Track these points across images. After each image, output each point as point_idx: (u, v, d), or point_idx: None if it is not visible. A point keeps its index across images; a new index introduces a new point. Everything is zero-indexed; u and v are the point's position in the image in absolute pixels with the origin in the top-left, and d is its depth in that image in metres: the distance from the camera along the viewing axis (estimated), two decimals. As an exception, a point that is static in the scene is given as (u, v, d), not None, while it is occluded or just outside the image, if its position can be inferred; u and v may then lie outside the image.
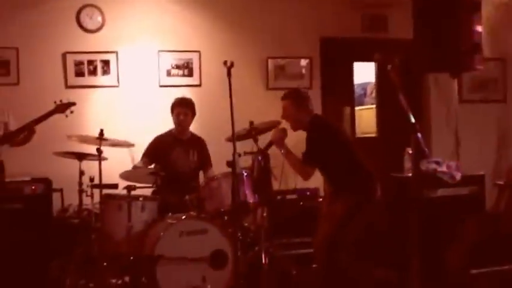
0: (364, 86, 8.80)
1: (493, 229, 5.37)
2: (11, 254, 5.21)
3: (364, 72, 8.07)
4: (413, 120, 4.28)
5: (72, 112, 5.29)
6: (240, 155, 4.26)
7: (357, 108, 7.95)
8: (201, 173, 5.97)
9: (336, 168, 4.80)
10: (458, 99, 7.25)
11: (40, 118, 5.14)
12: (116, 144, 5.28)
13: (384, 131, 7.47)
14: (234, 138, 4.19)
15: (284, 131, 4.94)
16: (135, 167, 5.63)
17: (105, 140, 5.08)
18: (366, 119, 8.04)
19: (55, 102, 5.23)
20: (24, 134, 5.19)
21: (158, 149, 5.76)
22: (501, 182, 5.83)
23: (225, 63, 4.21)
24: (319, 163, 4.78)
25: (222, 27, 6.87)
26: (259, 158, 5.24)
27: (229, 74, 4.20)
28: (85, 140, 5.30)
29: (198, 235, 4.89)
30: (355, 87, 8.08)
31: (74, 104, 5.31)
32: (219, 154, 5.28)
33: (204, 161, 5.93)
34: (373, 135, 7.61)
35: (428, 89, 7.55)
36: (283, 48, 7.02)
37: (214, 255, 4.87)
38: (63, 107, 5.25)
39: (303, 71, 7.09)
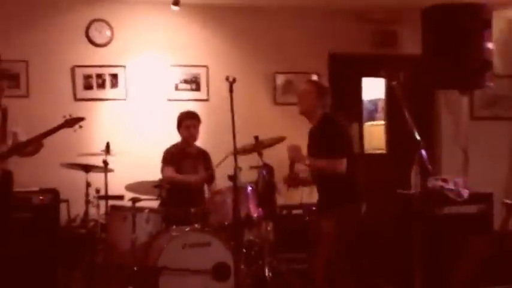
0: (375, 102, 8.93)
1: (500, 248, 5.44)
2: (19, 262, 5.39)
3: (375, 88, 8.18)
4: (418, 136, 4.45)
5: (80, 127, 5.49)
6: (241, 169, 4.43)
7: (367, 124, 8.07)
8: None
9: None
10: (470, 116, 7.40)
11: (48, 132, 5.31)
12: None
13: (393, 147, 7.58)
14: (236, 152, 4.38)
15: (297, 146, 4.98)
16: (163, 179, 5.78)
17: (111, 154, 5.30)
18: (376, 135, 8.15)
19: (64, 116, 5.41)
20: (32, 147, 5.39)
21: (171, 158, 5.94)
22: (509, 201, 5.89)
23: (227, 78, 4.42)
24: (320, 153, 4.82)
25: (230, 42, 7.08)
26: (264, 172, 5.42)
27: (231, 90, 4.42)
28: (91, 153, 5.50)
29: (202, 247, 5.03)
30: (366, 103, 8.21)
31: (82, 119, 5.48)
32: (224, 168, 5.45)
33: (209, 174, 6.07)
34: (383, 151, 7.74)
35: (438, 105, 7.64)
36: (291, 63, 7.18)
37: (217, 268, 4.99)
38: (72, 122, 5.43)
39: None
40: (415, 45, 6.88)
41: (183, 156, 5.99)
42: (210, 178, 6.06)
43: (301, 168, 5.07)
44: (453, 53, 6.03)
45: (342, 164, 4.77)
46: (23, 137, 5.41)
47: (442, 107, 7.62)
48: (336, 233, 4.75)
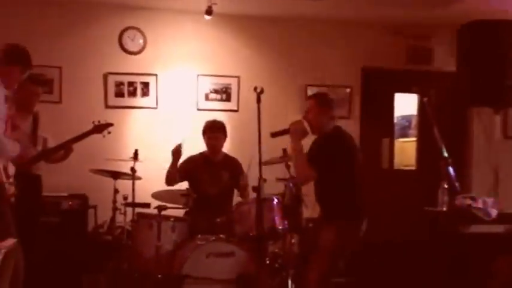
0: (408, 118, 8.98)
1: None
2: (46, 265, 5.56)
3: (408, 104, 8.24)
4: (445, 154, 4.51)
5: (109, 133, 5.63)
6: (265, 180, 4.51)
7: (400, 140, 8.13)
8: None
9: (334, 186, 4.83)
10: (502, 134, 7.41)
11: (78, 137, 5.47)
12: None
13: (422, 164, 7.62)
14: (261, 164, 4.48)
15: (306, 129, 4.93)
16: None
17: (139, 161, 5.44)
18: (407, 151, 8.19)
19: (93, 122, 5.57)
20: (62, 152, 5.56)
21: (188, 169, 6.02)
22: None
23: (255, 89, 4.52)
24: (322, 172, 4.76)
25: (262, 53, 7.20)
26: (291, 185, 5.50)
27: (258, 100, 4.52)
28: (119, 160, 5.64)
29: (226, 257, 5.10)
30: (400, 119, 8.26)
31: (111, 124, 5.64)
32: (250, 179, 5.54)
33: (238, 180, 6.02)
34: (412, 168, 7.78)
35: (470, 123, 7.65)
36: (323, 76, 7.27)
37: (240, 279, 5.05)
38: (101, 128, 5.59)
39: (343, 100, 7.31)
40: (449, 61, 6.94)
41: (205, 166, 6.07)
42: (242, 187, 6.08)
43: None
44: (488, 70, 6.07)
45: (308, 176, 4.79)
46: (52, 143, 5.58)
47: (475, 125, 7.62)
48: (334, 246, 4.74)
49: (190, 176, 6.00)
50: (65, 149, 5.49)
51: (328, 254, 4.78)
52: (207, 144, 6.08)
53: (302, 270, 5.12)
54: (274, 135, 4.94)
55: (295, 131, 4.87)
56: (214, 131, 6.06)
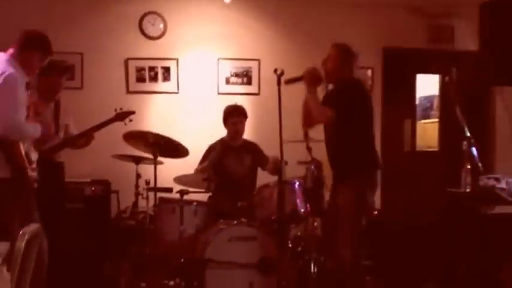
0: (430, 99, 8.89)
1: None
2: (70, 251, 5.57)
3: (430, 85, 8.15)
4: (468, 134, 4.45)
5: (131, 120, 5.64)
6: (286, 163, 4.48)
7: (421, 121, 8.05)
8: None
9: (350, 136, 4.72)
10: (525, 113, 7.33)
11: (100, 125, 5.48)
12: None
13: (445, 145, 7.54)
14: (282, 147, 4.45)
15: (320, 76, 4.82)
16: (196, 171, 5.88)
17: (161, 145, 5.42)
18: (429, 132, 8.12)
19: (115, 110, 5.57)
20: (84, 139, 5.57)
21: (212, 157, 6.02)
22: None
23: (275, 71, 4.49)
24: (340, 121, 4.63)
25: (283, 35, 7.14)
26: (313, 167, 5.47)
27: (279, 83, 4.48)
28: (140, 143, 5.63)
29: (248, 241, 5.10)
30: (422, 99, 8.18)
31: (133, 112, 5.64)
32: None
33: (261, 162, 6.09)
34: (435, 149, 7.71)
35: (493, 103, 7.58)
36: (344, 58, 7.18)
37: (262, 262, 5.05)
38: (123, 115, 5.59)
39: (364, 81, 7.19)
40: (471, 40, 6.84)
41: (227, 151, 6.06)
42: (264, 164, 6.05)
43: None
44: (510, 49, 5.98)
45: (325, 115, 4.68)
46: (74, 130, 5.59)
47: (498, 105, 7.55)
48: (354, 207, 4.67)
49: (214, 163, 5.98)
50: (86, 136, 5.50)
51: (350, 217, 4.68)
52: (231, 129, 6.07)
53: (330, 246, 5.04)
54: (288, 82, 4.81)
55: (309, 78, 4.77)
56: (238, 115, 6.05)
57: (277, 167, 5.62)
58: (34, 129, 4.30)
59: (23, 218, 3.94)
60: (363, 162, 4.75)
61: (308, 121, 5.00)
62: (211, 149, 6.09)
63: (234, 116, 6.03)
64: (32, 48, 4.31)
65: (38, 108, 5.15)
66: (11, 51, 4.24)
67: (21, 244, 2.50)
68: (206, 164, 5.90)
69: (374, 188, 4.82)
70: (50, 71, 5.12)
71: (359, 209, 4.71)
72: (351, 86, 4.81)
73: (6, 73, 4.05)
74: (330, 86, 4.96)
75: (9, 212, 4.02)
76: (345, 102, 4.66)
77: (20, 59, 4.23)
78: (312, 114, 4.81)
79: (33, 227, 2.69)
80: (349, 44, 4.99)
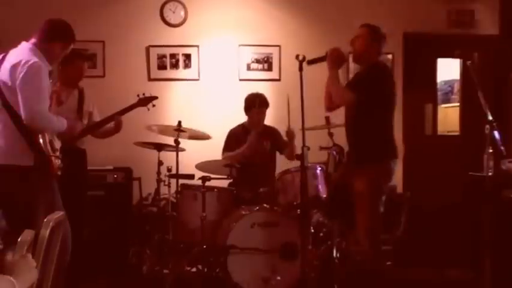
0: (451, 84, 8.80)
1: None
2: (93, 238, 5.59)
3: (451, 69, 8.06)
4: (490, 117, 4.37)
5: (154, 106, 5.63)
6: (308, 148, 4.43)
7: (442, 106, 7.97)
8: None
9: (370, 122, 4.67)
10: (545, 97, 7.21)
11: (122, 111, 5.47)
12: (193, 136, 5.59)
13: (466, 129, 7.45)
14: (304, 132, 4.40)
15: (344, 56, 4.80)
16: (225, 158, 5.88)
17: (183, 131, 5.39)
18: (450, 117, 8.05)
19: (138, 95, 5.58)
20: (111, 126, 5.56)
21: (233, 142, 6.02)
22: None
23: (297, 57, 4.44)
24: (363, 104, 4.58)
25: (303, 21, 7.05)
26: (334, 152, 5.43)
27: (301, 69, 4.43)
28: (164, 130, 5.63)
29: (270, 227, 5.11)
30: (442, 84, 8.10)
31: (155, 97, 5.64)
32: (295, 149, 5.49)
33: (281, 147, 6.10)
34: (456, 133, 7.63)
35: (513, 87, 7.47)
36: (364, 43, 7.10)
37: (284, 248, 5.06)
38: (146, 101, 5.59)
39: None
40: (492, 25, 6.74)
41: (247, 135, 6.02)
42: (283, 149, 6.09)
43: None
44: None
45: (347, 97, 4.64)
46: (97, 117, 5.59)
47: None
48: (371, 191, 4.62)
49: (235, 148, 5.97)
50: (114, 121, 5.48)
51: (368, 200, 4.64)
52: (253, 119, 6.04)
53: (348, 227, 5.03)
54: (310, 62, 4.75)
55: (332, 58, 4.74)
56: (260, 105, 6.01)
57: (290, 137, 5.75)
58: (59, 122, 4.27)
59: (47, 205, 3.94)
60: (381, 150, 4.72)
61: (329, 103, 4.94)
62: (232, 135, 6.08)
63: (256, 106, 5.99)
64: (55, 38, 4.28)
65: (60, 97, 5.16)
66: (33, 40, 4.22)
67: (45, 232, 2.49)
68: (234, 154, 5.88)
69: (389, 177, 4.75)
70: (71, 58, 5.11)
71: (375, 198, 4.65)
72: (379, 70, 4.76)
73: (30, 62, 4.02)
74: (352, 68, 4.90)
75: (33, 200, 4.01)
76: (371, 86, 4.61)
77: (43, 48, 4.20)
78: (332, 96, 4.78)
79: (57, 214, 2.68)
80: (377, 25, 4.91)
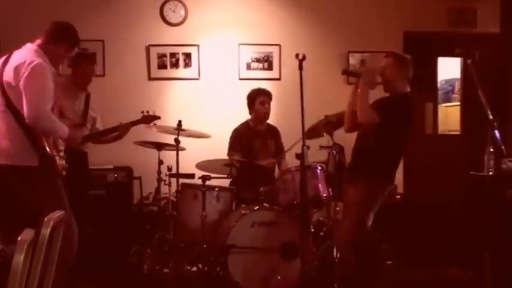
0: (452, 83, 8.80)
1: None
2: (94, 236, 5.58)
3: (451, 68, 8.07)
4: (491, 116, 4.38)
5: (155, 125, 5.67)
6: (308, 148, 4.43)
7: (443, 105, 7.96)
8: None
9: (384, 144, 4.73)
10: (547, 95, 7.20)
11: (125, 125, 5.54)
12: (192, 135, 5.61)
13: (467, 128, 7.45)
14: (304, 131, 4.41)
15: (375, 81, 4.81)
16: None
17: (183, 130, 5.41)
18: (451, 116, 8.05)
19: (142, 112, 5.61)
20: (114, 134, 5.58)
21: (239, 141, 6.02)
22: None
23: (296, 56, 4.44)
24: (379, 128, 4.66)
25: (303, 20, 7.05)
26: (334, 152, 5.42)
27: (301, 67, 4.44)
28: (164, 130, 5.65)
29: (270, 226, 5.11)
30: (443, 83, 8.09)
31: (158, 117, 5.67)
32: (293, 147, 5.50)
33: (278, 151, 6.14)
34: (457, 132, 7.63)
35: (514, 85, 7.45)
36: (365, 43, 7.08)
37: (285, 247, 5.06)
38: (149, 119, 5.64)
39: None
40: (493, 23, 6.73)
41: (253, 136, 6.04)
42: (280, 154, 6.13)
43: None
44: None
45: (371, 117, 4.64)
46: (100, 126, 5.63)
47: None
48: (360, 204, 4.70)
49: (242, 147, 5.97)
50: (117, 132, 5.52)
51: (355, 212, 4.72)
52: (260, 109, 6.06)
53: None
54: (345, 72, 5.18)
55: (368, 78, 4.76)
56: (266, 95, 6.06)
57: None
58: (62, 128, 4.27)
59: (53, 205, 3.94)
60: (380, 169, 4.78)
61: (351, 123, 4.93)
62: (237, 133, 6.07)
63: (261, 95, 6.03)
64: (59, 40, 4.29)
65: (62, 108, 5.20)
66: (38, 41, 4.24)
67: (46, 231, 2.49)
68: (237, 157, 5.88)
69: (379, 194, 4.80)
70: (80, 60, 5.17)
71: (363, 207, 4.73)
72: (405, 101, 4.81)
73: (35, 62, 4.04)
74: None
75: (39, 200, 4.02)
76: (395, 115, 4.69)
77: (48, 50, 4.23)
78: (359, 113, 4.75)
79: (58, 213, 2.68)
80: (403, 53, 5.05)
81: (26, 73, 4.00)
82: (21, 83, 4.00)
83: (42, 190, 4.09)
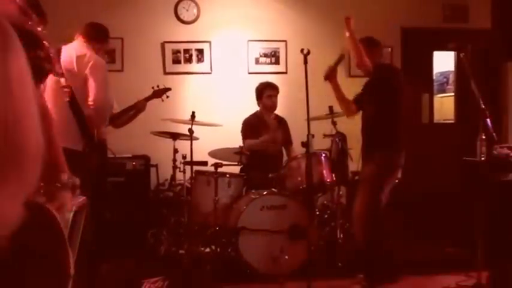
0: (446, 75, 8.75)
1: None
2: (113, 221, 5.58)
3: (446, 61, 8.03)
4: (483, 106, 4.34)
5: (167, 97, 5.59)
6: (313, 136, 4.42)
7: (438, 95, 7.92)
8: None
9: (380, 118, 4.73)
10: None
11: (140, 101, 5.46)
12: (205, 123, 5.58)
13: (461, 117, 7.41)
14: (309, 121, 4.38)
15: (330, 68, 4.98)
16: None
17: (196, 121, 5.37)
18: (446, 106, 8.01)
19: (152, 87, 5.55)
20: (132, 113, 5.50)
21: (249, 130, 5.95)
22: None
23: (301, 51, 4.42)
24: (367, 107, 4.72)
25: (308, 17, 7.02)
26: (337, 140, 5.41)
27: (305, 61, 4.41)
28: (178, 121, 5.61)
29: (278, 210, 5.08)
30: (438, 75, 8.05)
31: (169, 89, 5.58)
32: (299, 136, 5.47)
33: (286, 140, 6.09)
34: (452, 121, 7.59)
35: (506, 77, 7.36)
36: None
37: (292, 229, 5.03)
38: (160, 92, 5.54)
39: (385, 59, 7.07)
40: (485, 19, 6.67)
41: (263, 124, 6.00)
42: (288, 142, 6.09)
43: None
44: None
45: (350, 110, 4.81)
46: (117, 109, 5.56)
47: (510, 79, 7.34)
48: (374, 177, 4.64)
49: (253, 136, 5.91)
50: (135, 109, 5.44)
51: (369, 185, 4.67)
52: (266, 102, 5.99)
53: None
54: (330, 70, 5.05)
55: (325, 74, 5.00)
56: (274, 89, 6.01)
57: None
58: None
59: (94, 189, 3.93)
60: (386, 142, 4.73)
61: (346, 109, 5.04)
62: (247, 123, 6.02)
63: (268, 89, 5.98)
64: (97, 39, 4.38)
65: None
66: (81, 39, 4.32)
67: (69, 215, 2.47)
68: (258, 142, 5.84)
69: (392, 168, 4.73)
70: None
71: (378, 180, 4.66)
72: (386, 69, 4.90)
73: (96, 56, 4.19)
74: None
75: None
76: (376, 91, 4.71)
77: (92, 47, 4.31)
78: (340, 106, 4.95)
79: (80, 199, 2.65)
80: (368, 36, 5.06)
81: (91, 62, 4.13)
82: (88, 70, 4.10)
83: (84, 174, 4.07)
